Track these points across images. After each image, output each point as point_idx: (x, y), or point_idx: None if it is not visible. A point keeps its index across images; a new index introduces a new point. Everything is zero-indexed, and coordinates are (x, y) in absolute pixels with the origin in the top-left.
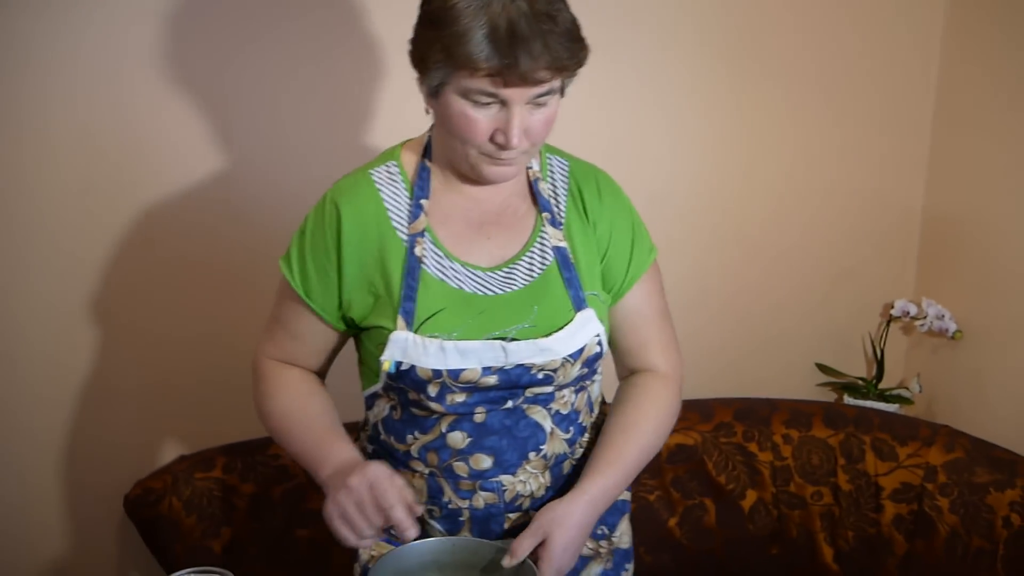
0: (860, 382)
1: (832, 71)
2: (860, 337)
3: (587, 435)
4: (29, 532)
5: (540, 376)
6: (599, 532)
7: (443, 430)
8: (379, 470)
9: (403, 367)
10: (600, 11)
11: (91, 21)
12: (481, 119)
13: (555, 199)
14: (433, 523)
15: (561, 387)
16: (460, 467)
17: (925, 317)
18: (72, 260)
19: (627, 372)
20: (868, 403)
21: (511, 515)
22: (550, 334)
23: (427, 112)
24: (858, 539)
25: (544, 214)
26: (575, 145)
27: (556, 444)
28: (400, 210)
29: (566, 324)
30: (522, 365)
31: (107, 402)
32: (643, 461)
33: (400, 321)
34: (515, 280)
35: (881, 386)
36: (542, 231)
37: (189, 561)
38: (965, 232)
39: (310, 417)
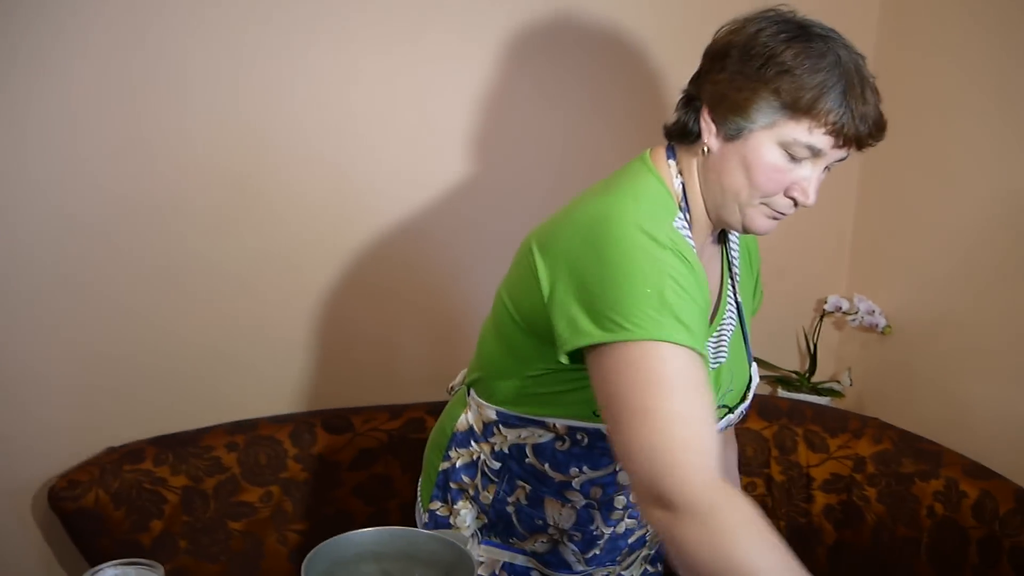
0: (794, 375)
1: None
2: (795, 331)
3: None
4: None
5: (722, 427)
6: None
7: (616, 468)
8: None
9: None
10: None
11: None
12: (789, 171)
13: (733, 242)
14: (570, 545)
15: None
16: (620, 500)
17: (857, 312)
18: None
19: None
20: (801, 396)
21: (639, 531)
22: (744, 395)
23: (704, 153)
24: (790, 529)
25: (733, 270)
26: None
27: None
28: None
29: (750, 381)
30: None
31: (28, 390)
32: None
33: None
34: (722, 344)
35: (814, 379)
36: (728, 282)
37: (116, 555)
38: (895, 231)
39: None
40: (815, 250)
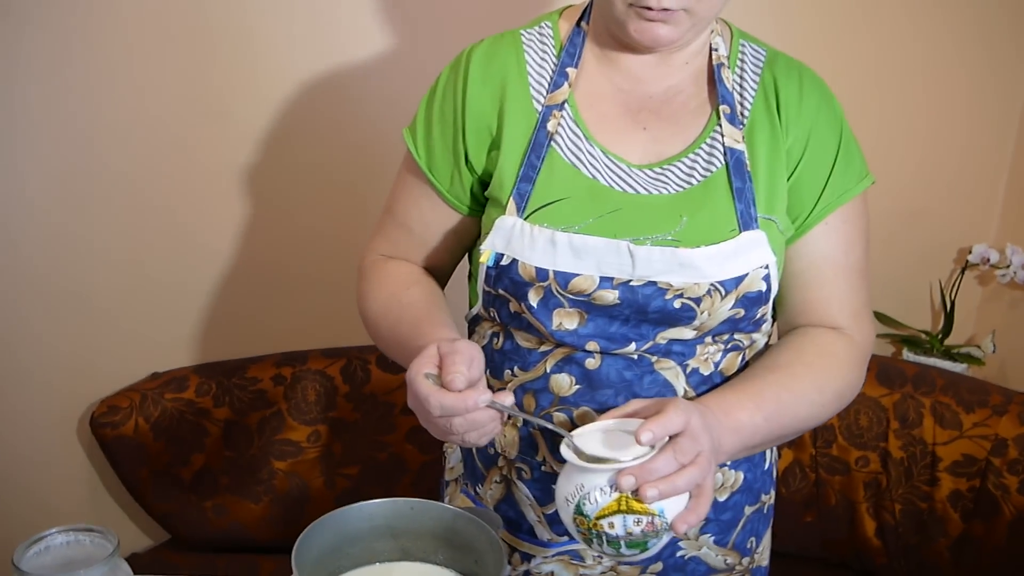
0: (924, 336)
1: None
2: (928, 285)
3: None
4: None
5: (677, 305)
6: (748, 546)
7: (547, 369)
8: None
9: (503, 262)
10: None
11: None
12: None
13: (740, 91)
14: (521, 485)
15: (705, 334)
16: (559, 417)
17: (1008, 266)
18: (44, 158)
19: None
20: (932, 360)
21: None
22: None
23: None
24: (906, 514)
25: (723, 107)
26: None
27: None
28: (543, 77)
29: (723, 242)
30: (654, 283)
31: (74, 313)
32: (785, 419)
33: (511, 205)
34: (667, 183)
35: (948, 342)
36: (716, 129)
37: (156, 487)
38: None
39: (403, 306)
40: (960, 189)
